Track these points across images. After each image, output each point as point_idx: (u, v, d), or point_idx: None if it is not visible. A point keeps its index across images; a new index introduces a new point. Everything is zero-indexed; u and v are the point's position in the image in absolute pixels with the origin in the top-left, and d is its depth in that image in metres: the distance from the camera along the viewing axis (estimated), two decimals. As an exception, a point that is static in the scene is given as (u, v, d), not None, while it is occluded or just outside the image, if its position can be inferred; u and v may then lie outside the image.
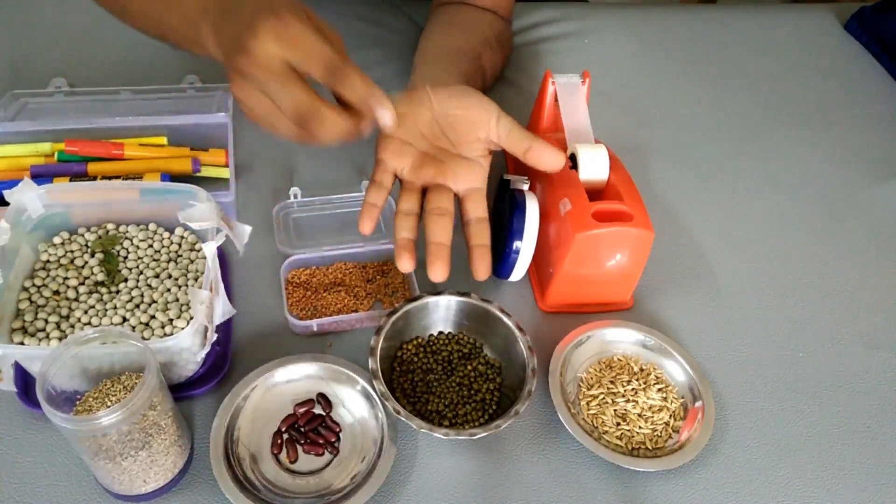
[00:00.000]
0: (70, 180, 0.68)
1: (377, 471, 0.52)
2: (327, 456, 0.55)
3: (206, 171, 0.72)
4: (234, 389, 0.56)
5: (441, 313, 0.62)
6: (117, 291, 0.59)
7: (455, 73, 0.71)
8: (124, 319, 0.57)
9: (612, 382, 0.60)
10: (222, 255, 0.67)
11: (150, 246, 0.63)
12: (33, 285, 0.58)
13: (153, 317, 0.57)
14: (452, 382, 0.59)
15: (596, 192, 0.64)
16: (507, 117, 0.59)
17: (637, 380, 0.60)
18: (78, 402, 0.48)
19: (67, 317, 0.57)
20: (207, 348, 0.54)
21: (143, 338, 0.54)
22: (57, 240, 0.62)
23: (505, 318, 0.60)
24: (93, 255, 0.61)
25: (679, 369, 0.61)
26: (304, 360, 0.58)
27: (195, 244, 0.63)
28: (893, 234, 0.77)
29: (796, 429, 0.60)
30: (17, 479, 0.52)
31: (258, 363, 0.57)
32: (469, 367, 0.60)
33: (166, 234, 0.64)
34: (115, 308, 0.57)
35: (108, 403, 0.47)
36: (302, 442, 0.55)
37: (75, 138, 0.70)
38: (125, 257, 0.62)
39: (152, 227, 0.64)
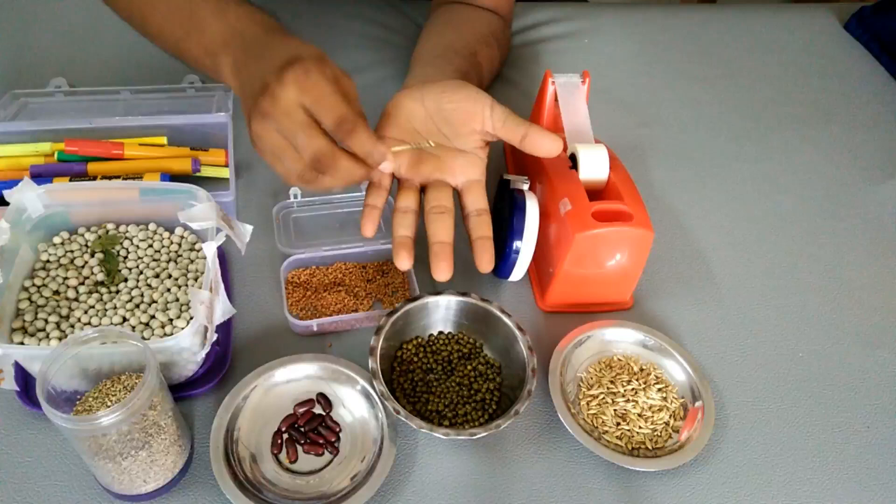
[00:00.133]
0: (70, 180, 0.68)
1: (377, 471, 0.52)
2: (327, 456, 0.55)
3: (206, 171, 0.72)
4: (234, 389, 0.56)
5: (441, 313, 0.62)
6: (117, 291, 0.59)
7: (448, 71, 0.71)
8: (124, 319, 0.57)
9: (612, 382, 0.60)
10: (222, 255, 0.67)
11: (150, 246, 0.63)
12: (33, 285, 0.58)
13: (153, 317, 0.57)
14: (452, 382, 0.59)
15: (596, 192, 0.64)
16: (500, 107, 0.60)
17: (637, 380, 0.60)
18: (78, 402, 0.48)
19: (67, 317, 0.57)
20: (207, 348, 0.54)
21: (143, 338, 0.54)
22: (57, 240, 0.62)
23: (505, 318, 0.60)
24: (93, 255, 0.61)
25: (679, 369, 0.61)
26: (304, 360, 0.58)
27: (195, 244, 0.63)
28: (893, 234, 0.77)
29: (796, 429, 0.60)
30: (17, 479, 0.52)
31: (258, 363, 0.57)
32: (469, 367, 0.60)
33: (166, 234, 0.64)
34: (115, 308, 0.57)
35: (108, 403, 0.47)
36: (302, 442, 0.55)
37: (75, 138, 0.70)
38: (125, 257, 0.62)
39: (152, 226, 0.64)
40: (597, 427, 0.57)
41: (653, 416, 0.58)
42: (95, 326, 0.56)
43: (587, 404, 0.59)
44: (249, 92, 0.54)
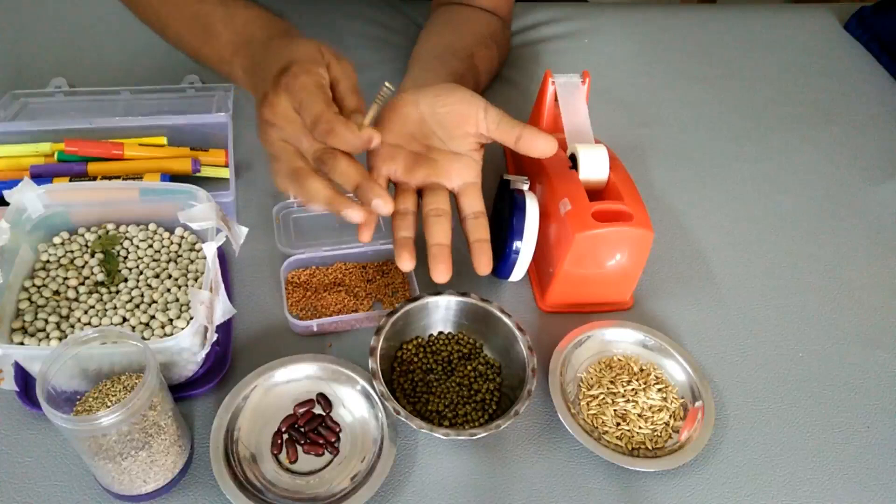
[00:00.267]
0: (70, 180, 0.68)
1: (377, 471, 0.52)
2: (327, 456, 0.55)
3: (206, 171, 0.72)
4: (234, 389, 0.56)
5: (441, 313, 0.62)
6: (117, 291, 0.59)
7: (443, 74, 0.71)
8: (124, 319, 0.57)
9: (612, 382, 0.60)
10: (222, 255, 0.67)
11: (150, 246, 0.62)
12: (33, 285, 0.58)
13: (153, 317, 0.57)
14: (452, 382, 0.59)
15: (596, 192, 0.64)
16: (494, 109, 0.60)
17: (637, 380, 0.60)
18: (78, 403, 0.48)
19: (67, 317, 0.57)
20: (207, 348, 0.54)
21: (143, 338, 0.54)
22: (57, 240, 0.62)
23: (505, 318, 0.60)
24: (93, 255, 0.61)
25: (679, 369, 0.61)
26: (304, 360, 0.58)
27: (195, 244, 0.63)
28: (893, 234, 0.77)
29: (796, 429, 0.60)
30: (17, 479, 0.52)
31: (258, 363, 0.57)
32: (469, 367, 0.60)
33: (166, 234, 0.64)
34: (115, 308, 0.57)
35: (108, 403, 0.47)
36: (302, 442, 0.55)
37: (75, 138, 0.70)
38: (125, 257, 0.62)
39: (152, 227, 0.64)
40: (597, 427, 0.57)
41: (653, 417, 0.58)
42: (95, 326, 0.56)
43: (587, 404, 0.59)
44: (257, 99, 0.56)
